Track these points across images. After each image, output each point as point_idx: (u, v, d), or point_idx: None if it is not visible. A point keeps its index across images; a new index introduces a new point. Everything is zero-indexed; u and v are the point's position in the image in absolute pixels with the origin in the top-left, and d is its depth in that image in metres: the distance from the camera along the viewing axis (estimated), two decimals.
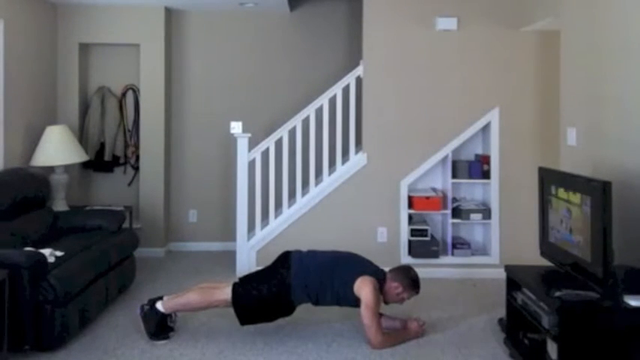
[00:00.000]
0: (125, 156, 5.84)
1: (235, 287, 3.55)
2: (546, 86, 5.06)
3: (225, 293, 3.54)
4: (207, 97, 5.97)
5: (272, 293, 3.51)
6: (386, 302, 3.67)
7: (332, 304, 3.63)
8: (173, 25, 5.93)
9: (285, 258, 3.67)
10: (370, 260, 3.73)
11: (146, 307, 3.58)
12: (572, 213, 3.07)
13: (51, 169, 5.06)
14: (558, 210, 3.24)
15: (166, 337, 3.57)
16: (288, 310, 3.60)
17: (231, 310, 3.55)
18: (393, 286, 3.61)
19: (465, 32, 5.06)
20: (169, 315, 3.61)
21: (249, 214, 5.12)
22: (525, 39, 5.06)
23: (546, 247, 3.43)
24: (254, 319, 3.58)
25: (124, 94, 5.84)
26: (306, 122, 5.25)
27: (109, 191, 5.88)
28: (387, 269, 3.73)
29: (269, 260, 3.91)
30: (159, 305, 3.57)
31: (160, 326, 3.57)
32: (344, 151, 5.20)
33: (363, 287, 3.47)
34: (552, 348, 2.84)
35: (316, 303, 3.60)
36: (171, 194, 5.95)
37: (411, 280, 3.64)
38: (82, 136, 5.68)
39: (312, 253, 3.72)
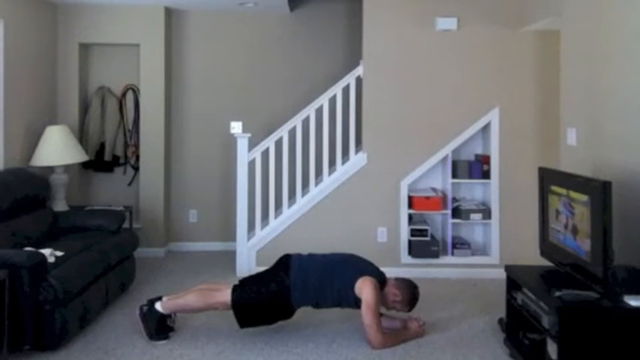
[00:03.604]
0: (125, 156, 5.84)
1: (235, 290, 3.55)
2: (546, 86, 5.06)
3: (225, 295, 3.53)
4: (207, 97, 5.97)
5: (271, 296, 3.51)
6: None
7: (332, 306, 3.63)
8: (173, 25, 5.93)
9: (284, 261, 3.67)
10: (370, 261, 3.73)
11: (145, 308, 3.59)
12: (572, 213, 3.07)
13: (51, 169, 5.06)
14: (558, 210, 3.24)
15: (166, 338, 3.58)
16: (287, 313, 3.59)
17: (231, 311, 3.55)
18: (393, 293, 3.62)
19: (465, 32, 5.06)
20: (169, 315, 3.61)
21: (249, 214, 5.12)
22: (525, 39, 5.05)
23: (546, 247, 3.42)
24: (253, 322, 3.58)
25: (124, 94, 5.84)
26: (306, 122, 5.25)
27: (109, 191, 5.88)
28: (390, 275, 3.73)
29: (269, 260, 3.91)
30: (157, 306, 3.57)
31: (159, 326, 3.57)
32: (344, 151, 5.20)
33: (364, 287, 3.47)
34: (552, 348, 2.83)
35: (316, 305, 3.60)
36: (171, 194, 5.95)
37: (411, 296, 3.65)
38: (82, 136, 5.68)
39: (312, 256, 3.72)
